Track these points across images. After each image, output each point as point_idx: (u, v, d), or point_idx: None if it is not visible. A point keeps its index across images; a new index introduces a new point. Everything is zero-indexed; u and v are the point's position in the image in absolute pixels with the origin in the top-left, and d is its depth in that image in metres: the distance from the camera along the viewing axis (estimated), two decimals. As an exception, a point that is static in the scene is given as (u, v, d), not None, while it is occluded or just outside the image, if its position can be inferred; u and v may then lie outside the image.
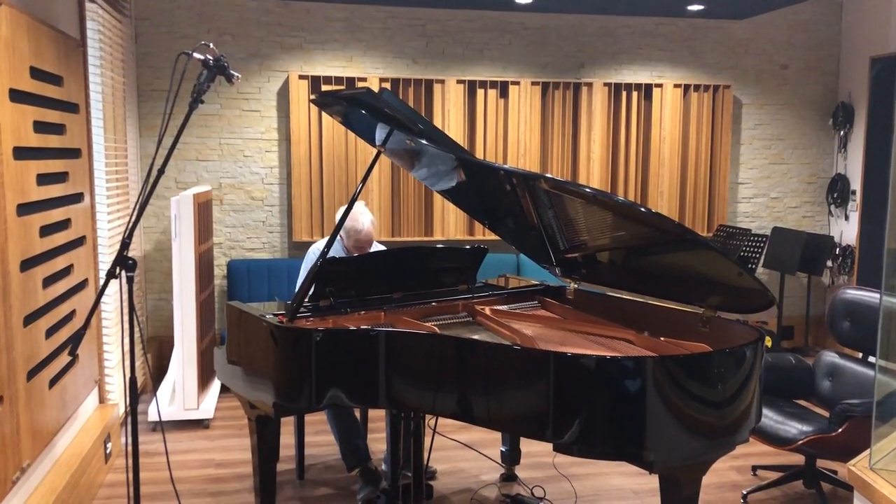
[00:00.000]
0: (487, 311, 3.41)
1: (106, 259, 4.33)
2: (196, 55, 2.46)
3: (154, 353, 5.51)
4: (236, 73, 2.54)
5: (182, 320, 4.56)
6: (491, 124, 5.96)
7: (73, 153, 3.56)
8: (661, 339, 2.89)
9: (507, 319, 3.31)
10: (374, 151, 3.18)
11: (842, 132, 6.38)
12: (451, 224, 5.99)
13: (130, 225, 2.36)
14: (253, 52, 5.72)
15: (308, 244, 5.86)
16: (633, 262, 3.32)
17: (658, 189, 6.21)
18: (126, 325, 2.38)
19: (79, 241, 3.61)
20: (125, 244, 2.34)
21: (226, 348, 3.31)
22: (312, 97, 3.27)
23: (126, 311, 2.37)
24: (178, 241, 4.56)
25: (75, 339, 2.35)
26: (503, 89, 5.98)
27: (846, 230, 6.38)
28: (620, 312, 3.29)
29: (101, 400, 4.22)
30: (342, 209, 3.20)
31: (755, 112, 6.49)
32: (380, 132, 3.09)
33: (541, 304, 3.65)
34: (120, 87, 4.92)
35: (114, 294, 4.43)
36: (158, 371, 5.59)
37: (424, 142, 2.90)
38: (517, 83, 5.97)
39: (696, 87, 6.21)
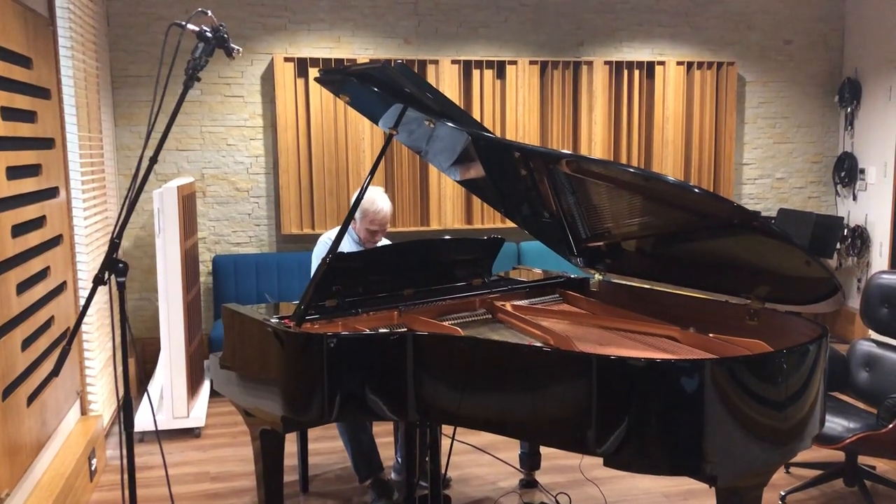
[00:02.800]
0: (508, 307, 3.13)
1: (85, 259, 3.99)
2: (190, 26, 2.14)
3: (137, 356, 5.17)
4: (237, 47, 2.22)
5: (169, 322, 4.23)
6: (488, 106, 5.67)
7: (45, 143, 3.22)
8: (710, 335, 2.63)
9: (532, 316, 3.03)
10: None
11: (848, 109, 6.17)
12: (447, 213, 5.70)
13: (120, 224, 2.04)
14: (234, 33, 5.35)
15: (297, 237, 5.57)
16: (664, 249, 3.06)
17: (662, 170, 5.96)
18: (118, 339, 2.07)
19: (55, 241, 3.27)
20: (114, 245, 2.03)
21: (221, 353, 3.01)
22: (316, 75, 2.95)
23: (118, 319, 2.06)
24: (161, 237, 4.23)
25: (60, 357, 2.03)
26: (500, 69, 5.69)
27: (854, 210, 6.18)
28: (655, 306, 3.02)
29: (84, 412, 3.88)
30: (356, 195, 2.90)
31: (759, 90, 6.26)
32: (394, 112, 2.78)
33: (563, 298, 3.38)
34: (93, 72, 4.55)
35: (95, 298, 4.08)
36: (141, 376, 5.25)
37: (449, 123, 2.60)
38: (514, 63, 5.68)
39: (700, 65, 5.96)
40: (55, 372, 2.06)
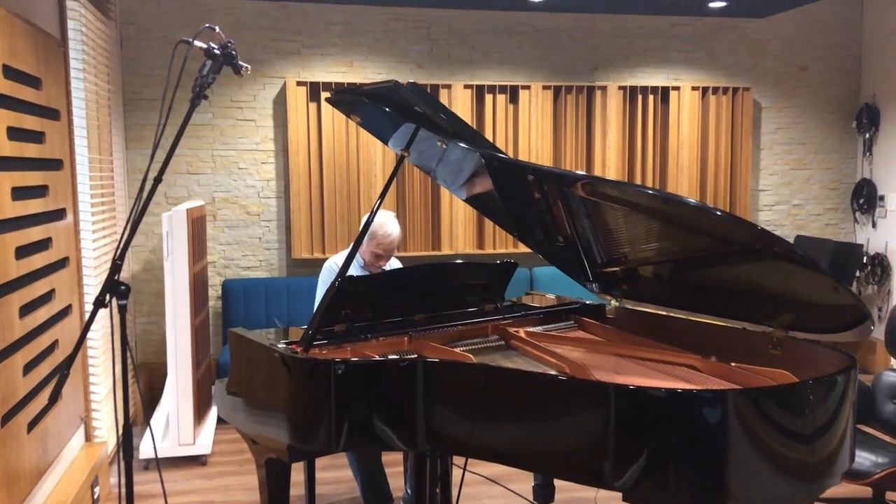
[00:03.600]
0: (522, 333, 3.05)
1: (92, 282, 3.94)
2: (198, 43, 2.10)
3: (144, 381, 5.11)
4: (245, 64, 2.18)
5: (176, 347, 4.17)
6: (500, 131, 5.62)
7: (53, 164, 3.18)
8: (732, 364, 2.53)
9: (547, 343, 2.94)
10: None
11: (867, 135, 6.08)
12: (459, 237, 5.63)
13: (122, 245, 1.98)
14: (247, 57, 5.34)
15: (308, 261, 5.51)
16: (683, 275, 2.97)
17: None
18: (119, 364, 2.00)
19: (61, 263, 3.22)
20: (116, 267, 1.97)
21: (228, 378, 2.93)
22: (328, 96, 2.90)
23: (118, 344, 1.99)
24: (170, 260, 4.18)
25: (58, 383, 1.96)
26: (513, 94, 5.65)
27: (873, 237, 6.07)
28: (675, 334, 2.92)
29: (88, 438, 3.81)
30: (365, 218, 2.84)
31: (775, 115, 6.18)
32: (405, 132, 2.73)
33: (578, 325, 3.29)
34: (105, 94, 4.54)
35: (101, 320, 4.03)
36: (149, 401, 5.18)
37: (462, 144, 2.54)
38: (527, 87, 5.64)
39: (715, 90, 5.90)
40: (52, 398, 1.99)
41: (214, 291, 5.46)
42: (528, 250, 3.47)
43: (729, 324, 2.79)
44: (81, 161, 4.02)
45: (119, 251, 1.97)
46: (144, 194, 2.03)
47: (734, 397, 2.09)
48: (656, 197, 2.49)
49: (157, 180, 2.04)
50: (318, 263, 5.41)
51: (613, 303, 3.25)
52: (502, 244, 5.68)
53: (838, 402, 2.26)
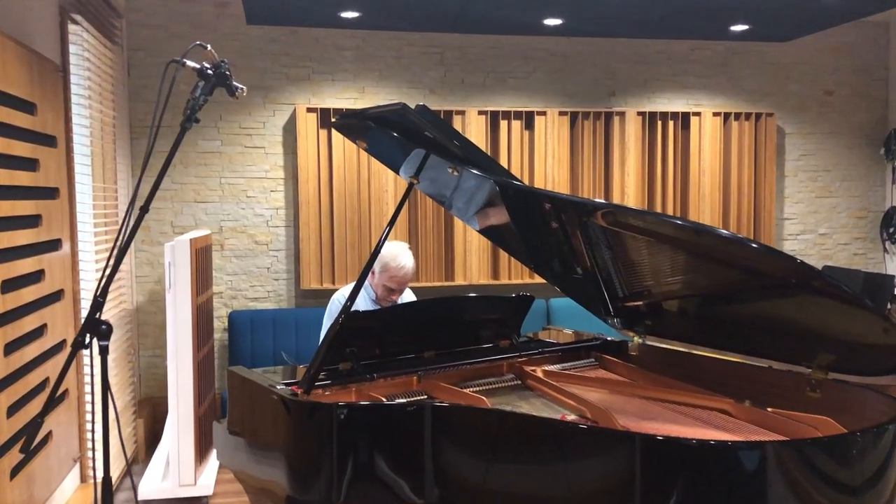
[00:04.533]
0: (539, 372, 2.86)
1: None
2: (190, 63, 1.95)
3: (148, 416, 4.93)
4: (240, 85, 2.03)
5: (177, 382, 4.00)
6: (516, 157, 5.46)
7: (47, 193, 3.04)
8: (769, 409, 2.33)
9: (565, 383, 2.75)
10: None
11: (895, 162, 5.88)
12: (473, 267, 5.45)
13: (104, 281, 1.82)
14: (257, 83, 5.24)
15: (317, 292, 5.34)
16: (712, 311, 2.79)
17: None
18: (97, 406, 1.82)
19: (55, 296, 3.07)
20: (97, 304, 1.80)
21: (227, 418, 2.76)
22: (334, 120, 2.74)
23: (98, 389, 1.82)
24: (172, 291, 4.02)
25: (30, 433, 1.80)
26: (528, 120, 5.49)
27: (904, 268, 5.84)
28: (703, 374, 2.72)
29: (84, 478, 3.63)
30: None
31: (799, 142, 5.99)
32: (414, 159, 2.57)
33: (599, 363, 3.09)
34: (110, 121, 4.43)
35: (97, 355, 3.87)
36: (152, 437, 5.00)
37: (475, 171, 2.37)
38: (543, 113, 5.49)
39: (737, 116, 5.73)
40: (24, 450, 1.82)
41: (221, 323, 5.30)
42: (543, 281, 3.29)
43: (762, 363, 2.59)
44: (84, 190, 3.90)
45: (100, 288, 1.81)
46: (131, 222, 1.87)
47: (776, 449, 1.89)
48: (687, 228, 2.31)
49: (144, 210, 1.88)
50: (328, 294, 5.22)
51: (636, 339, 3.06)
52: (518, 274, 5.49)
53: (888, 450, 2.06)
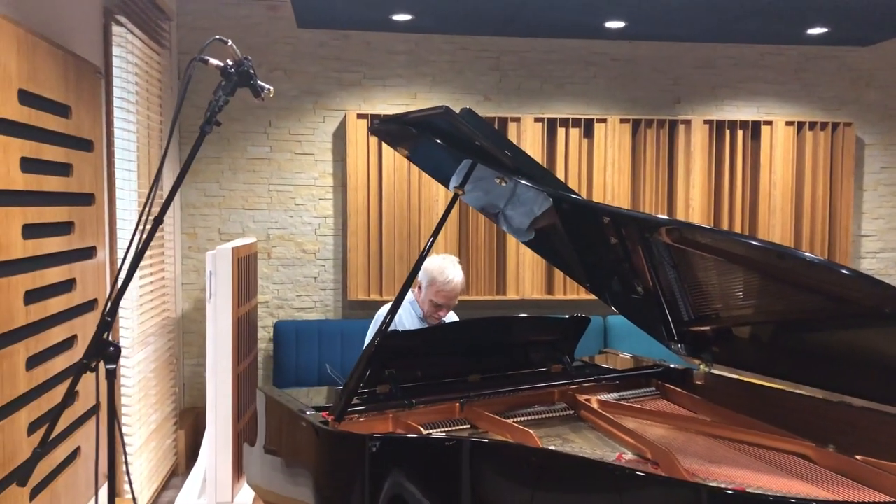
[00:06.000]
0: (594, 402, 2.61)
1: (130, 325, 3.69)
2: (213, 61, 1.79)
3: (189, 427, 4.83)
4: (267, 86, 1.85)
5: (216, 397, 3.87)
6: (573, 167, 5.21)
7: (82, 199, 2.93)
8: (857, 457, 2.04)
9: (622, 417, 2.51)
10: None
11: None
12: (526, 282, 5.21)
13: (114, 296, 1.66)
14: (307, 89, 5.11)
15: (364, 304, 5.17)
16: (788, 339, 2.51)
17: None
18: (104, 433, 1.66)
19: (87, 306, 2.95)
20: (105, 325, 1.64)
21: (264, 436, 2.59)
22: (371, 126, 2.56)
23: (104, 417, 1.66)
24: (213, 302, 3.90)
25: (26, 466, 1.64)
26: (587, 127, 5.24)
27: None
28: (780, 411, 2.44)
29: (118, 493, 3.52)
30: (431, 259, 2.48)
31: (880, 153, 5.59)
32: (460, 168, 2.36)
33: (660, 393, 2.83)
34: (157, 126, 4.35)
35: (138, 365, 3.77)
36: (195, 448, 4.89)
37: (525, 181, 2.15)
38: (603, 120, 5.22)
39: (812, 125, 5.37)
40: (20, 481, 1.66)
41: (266, 333, 5.18)
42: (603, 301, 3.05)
43: (850, 402, 2.30)
44: (129, 196, 3.81)
45: (109, 304, 1.65)
46: (145, 232, 1.71)
47: (871, 511, 1.62)
48: (765, 249, 2.04)
49: (158, 220, 1.72)
50: (374, 306, 5.06)
51: (702, 368, 2.79)
52: (574, 290, 5.23)
53: None
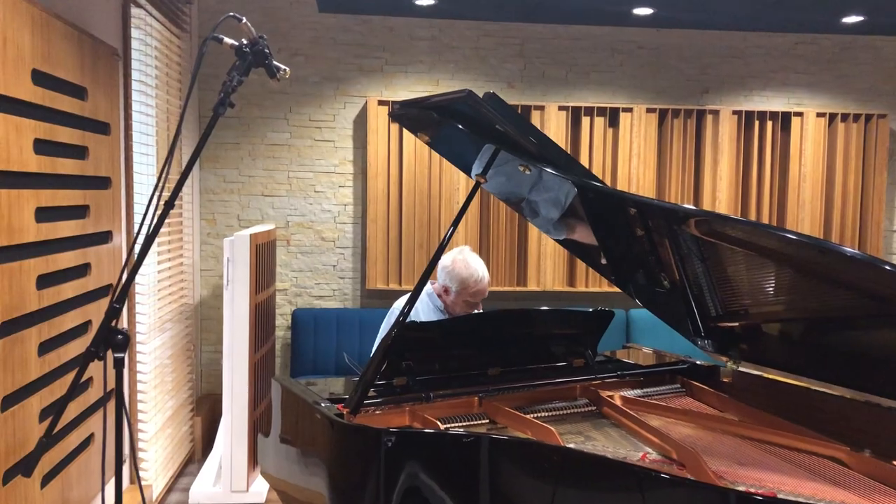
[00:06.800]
0: (617, 399, 2.53)
1: (146, 311, 3.65)
2: (227, 40, 1.73)
3: (206, 413, 4.81)
4: (282, 66, 1.79)
5: (232, 385, 3.83)
6: (598, 157, 5.11)
7: (98, 182, 2.88)
8: (894, 463, 1.95)
9: (647, 414, 2.43)
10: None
11: None
12: (548, 273, 5.13)
13: (122, 284, 1.60)
14: (328, 74, 5.05)
15: (383, 292, 5.12)
16: (821, 337, 2.42)
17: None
18: (111, 422, 1.62)
19: (102, 292, 2.91)
20: (113, 312, 1.59)
21: (280, 426, 2.55)
22: (390, 110, 2.49)
23: (112, 408, 1.61)
24: (230, 288, 3.85)
25: (32, 456, 1.60)
26: (612, 117, 5.13)
27: None
28: (812, 412, 2.35)
29: (132, 480, 3.49)
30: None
31: (915, 146, 5.43)
32: (482, 155, 2.28)
33: (685, 390, 2.74)
34: (176, 111, 4.30)
35: (152, 352, 3.74)
36: (211, 435, 4.87)
37: (550, 169, 2.07)
38: (629, 110, 5.11)
39: (844, 117, 5.22)
40: (26, 471, 1.62)
41: (284, 321, 5.14)
42: (627, 295, 2.96)
43: (885, 404, 2.20)
44: (144, 180, 3.77)
45: (117, 292, 1.60)
46: (154, 216, 1.65)
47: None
48: (802, 244, 1.94)
49: (169, 204, 1.66)
50: (393, 295, 5.00)
51: (730, 365, 2.70)
52: (596, 282, 5.14)
53: None
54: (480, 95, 2.03)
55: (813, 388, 2.39)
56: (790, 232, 1.91)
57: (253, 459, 3.96)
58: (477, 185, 2.33)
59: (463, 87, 5.12)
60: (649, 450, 2.13)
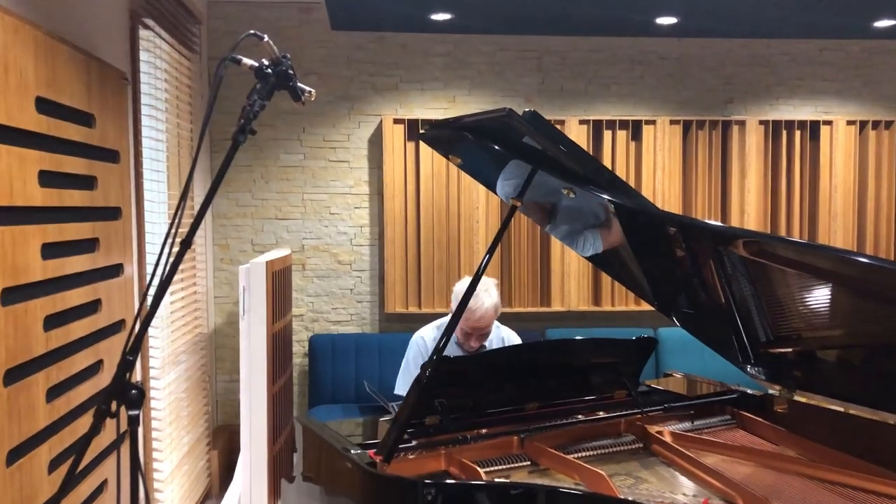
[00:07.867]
0: (666, 435, 2.36)
1: (159, 344, 3.50)
2: (246, 61, 1.58)
3: (223, 445, 4.65)
4: (308, 88, 1.63)
5: (250, 419, 3.66)
6: (621, 171, 4.94)
7: (107, 213, 2.74)
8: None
9: (700, 451, 2.25)
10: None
11: None
12: (572, 292, 4.96)
13: (136, 333, 1.45)
14: (342, 93, 4.92)
15: (402, 316, 4.96)
16: (883, 365, 2.24)
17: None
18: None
19: (114, 328, 2.77)
20: (126, 364, 1.43)
21: (297, 471, 2.38)
22: (422, 131, 2.34)
23: (126, 471, 1.45)
24: (247, 318, 3.69)
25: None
26: (635, 129, 4.98)
27: None
28: (882, 446, 2.16)
29: (148, 523, 3.32)
30: (463, 282, 2.25)
31: (948, 153, 5.25)
32: (518, 177, 2.13)
33: (737, 422, 2.56)
34: (187, 135, 4.17)
35: (166, 386, 3.59)
36: (229, 467, 4.70)
37: (603, 194, 1.91)
38: (652, 122, 4.96)
39: (875, 124, 5.05)
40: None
41: (301, 348, 4.98)
42: (650, 308, 2.79)
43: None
44: (158, 208, 3.63)
45: (130, 341, 1.44)
46: (171, 252, 1.50)
47: None
48: (859, 264, 1.78)
49: (186, 244, 1.51)
50: (413, 319, 4.85)
51: (782, 394, 2.52)
52: (622, 300, 4.96)
53: None
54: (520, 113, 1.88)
55: (875, 418, 2.21)
56: (848, 252, 1.76)
57: (273, 496, 3.78)
58: (513, 209, 2.17)
59: (480, 104, 4.98)
60: (710, 494, 1.96)
